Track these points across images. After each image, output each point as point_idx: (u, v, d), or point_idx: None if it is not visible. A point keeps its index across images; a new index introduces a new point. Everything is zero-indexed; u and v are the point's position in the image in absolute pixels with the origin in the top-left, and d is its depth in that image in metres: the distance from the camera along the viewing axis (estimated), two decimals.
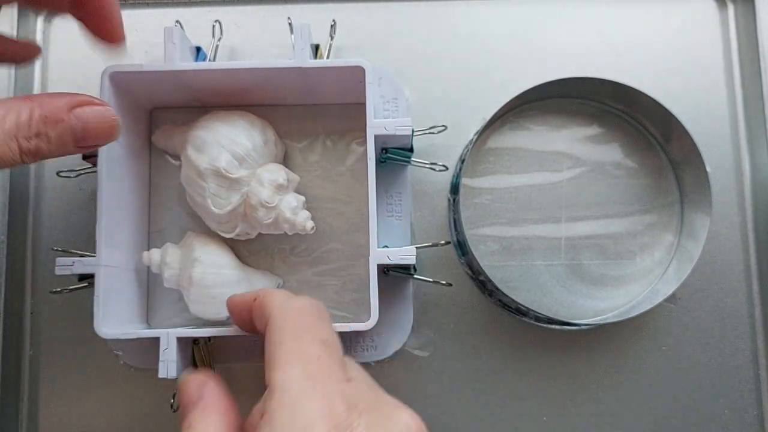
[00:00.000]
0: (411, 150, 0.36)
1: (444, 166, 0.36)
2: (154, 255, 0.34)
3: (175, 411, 0.34)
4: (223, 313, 0.34)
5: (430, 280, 0.35)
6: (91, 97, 0.26)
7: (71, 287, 0.33)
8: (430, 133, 0.36)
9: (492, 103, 0.36)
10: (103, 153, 0.31)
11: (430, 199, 0.38)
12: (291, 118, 0.37)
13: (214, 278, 0.32)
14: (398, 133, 0.32)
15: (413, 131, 0.34)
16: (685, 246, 0.37)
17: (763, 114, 0.38)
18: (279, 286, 0.36)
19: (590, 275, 0.38)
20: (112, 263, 0.32)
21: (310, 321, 0.24)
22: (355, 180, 0.37)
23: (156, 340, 0.31)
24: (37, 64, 0.39)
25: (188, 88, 0.34)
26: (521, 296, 0.37)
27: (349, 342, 0.35)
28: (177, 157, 0.35)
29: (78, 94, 0.26)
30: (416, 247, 0.32)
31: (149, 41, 0.39)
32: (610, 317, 0.37)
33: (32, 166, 0.38)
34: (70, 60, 0.39)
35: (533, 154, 0.38)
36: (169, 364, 0.31)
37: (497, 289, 0.34)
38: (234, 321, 0.28)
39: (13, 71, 0.38)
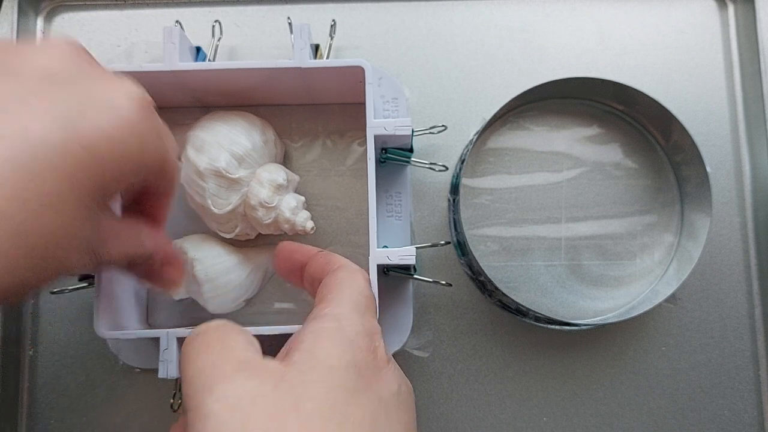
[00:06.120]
0: (411, 150, 0.36)
1: (444, 166, 0.36)
2: None
3: (175, 411, 0.34)
4: (241, 298, 0.34)
5: (430, 280, 0.35)
6: (177, 256, 0.30)
7: (71, 287, 0.33)
8: (430, 133, 0.36)
9: (492, 103, 0.36)
10: None
11: (430, 199, 0.38)
12: (291, 118, 0.37)
13: (217, 269, 0.33)
14: (398, 133, 0.32)
15: (413, 131, 0.34)
16: (685, 246, 0.37)
17: (763, 114, 0.38)
18: None
19: (590, 275, 0.38)
20: None
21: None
22: (355, 180, 0.37)
23: (156, 340, 0.31)
24: None
25: (188, 88, 0.34)
26: (521, 296, 0.37)
27: None
28: (177, 157, 0.35)
29: (175, 255, 0.29)
30: (416, 248, 0.32)
31: (149, 41, 0.39)
32: (610, 317, 0.37)
33: None
34: None
35: (533, 155, 0.38)
36: (169, 364, 0.31)
37: (497, 289, 0.34)
38: (280, 262, 0.31)
39: None
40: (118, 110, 0.22)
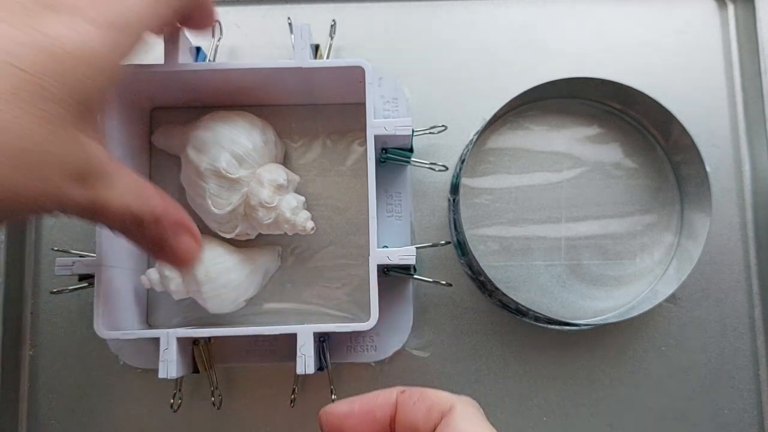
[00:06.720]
0: (411, 150, 0.36)
1: (444, 166, 0.36)
2: (152, 274, 0.33)
3: (175, 411, 0.34)
4: (241, 298, 0.34)
5: (430, 280, 0.35)
6: (192, 225, 0.28)
7: (71, 287, 0.33)
8: (430, 133, 0.36)
9: (492, 103, 0.36)
10: None
11: (430, 199, 0.38)
12: (291, 118, 0.37)
13: (217, 269, 0.32)
14: (398, 133, 0.32)
15: (413, 131, 0.34)
16: (685, 246, 0.37)
17: (763, 114, 0.38)
18: (279, 254, 0.36)
19: (590, 275, 0.38)
20: (112, 263, 0.32)
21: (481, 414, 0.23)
22: (355, 180, 0.37)
23: (156, 340, 0.31)
24: None
25: (188, 88, 0.34)
26: (521, 296, 0.37)
27: (349, 342, 0.35)
28: (177, 157, 0.35)
29: (190, 223, 0.28)
30: (416, 248, 0.32)
31: (149, 41, 0.39)
32: (610, 317, 0.37)
33: None
34: None
35: (533, 154, 0.38)
36: (169, 364, 0.31)
37: (497, 289, 0.34)
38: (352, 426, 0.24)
39: None
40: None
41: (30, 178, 0.20)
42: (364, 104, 0.32)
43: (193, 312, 0.35)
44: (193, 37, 0.36)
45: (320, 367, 0.34)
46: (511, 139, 0.39)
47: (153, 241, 0.26)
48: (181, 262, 0.28)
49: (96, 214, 0.23)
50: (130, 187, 0.24)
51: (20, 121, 0.20)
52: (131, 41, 0.24)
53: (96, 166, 0.23)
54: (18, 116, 0.19)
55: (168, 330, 0.31)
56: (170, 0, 0.26)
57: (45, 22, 0.21)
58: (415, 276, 0.35)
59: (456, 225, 0.37)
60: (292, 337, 0.31)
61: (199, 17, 0.30)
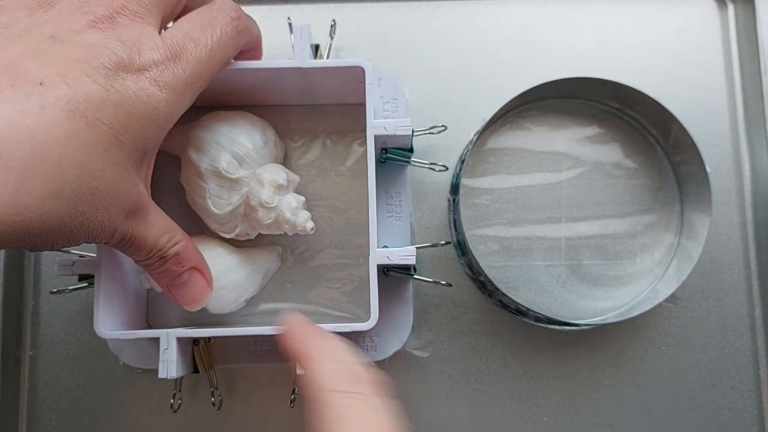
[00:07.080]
0: (411, 150, 0.36)
1: (444, 166, 0.36)
2: None
3: (175, 411, 0.34)
4: (241, 299, 0.34)
5: (430, 280, 0.35)
6: (207, 271, 0.31)
7: (71, 287, 0.33)
8: (430, 133, 0.36)
9: (492, 104, 0.36)
10: None
11: (430, 199, 0.38)
12: (291, 118, 0.37)
13: (217, 269, 0.32)
14: (398, 133, 0.32)
15: (413, 131, 0.34)
16: (685, 246, 0.37)
17: (763, 114, 0.38)
18: (279, 254, 0.36)
19: (590, 275, 0.38)
20: (112, 263, 0.32)
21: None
22: (355, 180, 0.37)
23: (156, 341, 0.31)
24: None
25: None
26: (521, 296, 0.37)
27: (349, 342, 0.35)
28: (177, 157, 0.35)
29: (204, 267, 0.31)
30: (416, 248, 0.32)
31: None
32: (610, 317, 0.37)
33: None
34: None
35: (533, 155, 0.38)
36: (169, 364, 0.30)
37: (497, 289, 0.34)
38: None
39: None
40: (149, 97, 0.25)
41: (95, 212, 0.24)
42: (364, 104, 0.32)
43: (193, 312, 0.35)
44: None
45: None
46: (511, 139, 0.39)
47: (169, 277, 0.29)
48: (191, 300, 0.31)
49: (131, 245, 0.27)
50: (161, 225, 0.28)
51: (98, 165, 0.23)
52: (190, 98, 0.27)
53: (142, 203, 0.26)
54: (96, 161, 0.23)
55: (168, 330, 0.31)
56: (226, 54, 0.29)
57: (122, 83, 0.24)
58: (415, 276, 0.35)
59: (456, 225, 0.37)
60: None
61: (248, 57, 0.32)
